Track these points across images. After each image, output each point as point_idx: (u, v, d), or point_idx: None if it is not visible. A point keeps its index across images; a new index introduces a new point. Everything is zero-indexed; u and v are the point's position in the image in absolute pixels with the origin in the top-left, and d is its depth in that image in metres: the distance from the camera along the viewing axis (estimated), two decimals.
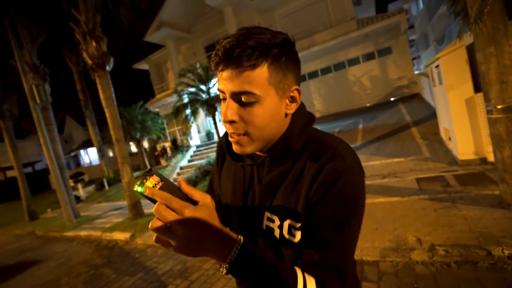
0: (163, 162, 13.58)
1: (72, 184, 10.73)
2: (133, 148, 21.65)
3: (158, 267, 3.62)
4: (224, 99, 0.56)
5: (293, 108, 0.58)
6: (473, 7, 2.24)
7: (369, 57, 11.14)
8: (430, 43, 16.20)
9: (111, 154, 22.65)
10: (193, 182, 8.15)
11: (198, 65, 9.35)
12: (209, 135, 13.05)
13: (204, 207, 0.47)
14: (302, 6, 11.85)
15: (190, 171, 8.88)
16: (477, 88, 3.88)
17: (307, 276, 0.50)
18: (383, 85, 11.03)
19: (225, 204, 0.72)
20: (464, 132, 4.03)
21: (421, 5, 15.63)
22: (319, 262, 0.52)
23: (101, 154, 13.94)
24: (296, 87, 0.57)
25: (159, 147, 14.36)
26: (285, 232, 0.57)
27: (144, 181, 0.43)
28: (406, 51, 10.59)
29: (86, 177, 16.96)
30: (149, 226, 0.44)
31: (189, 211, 0.44)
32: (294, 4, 11.92)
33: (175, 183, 0.49)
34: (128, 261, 4.08)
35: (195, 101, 8.88)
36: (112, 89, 6.08)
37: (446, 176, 3.83)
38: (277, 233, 0.58)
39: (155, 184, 0.43)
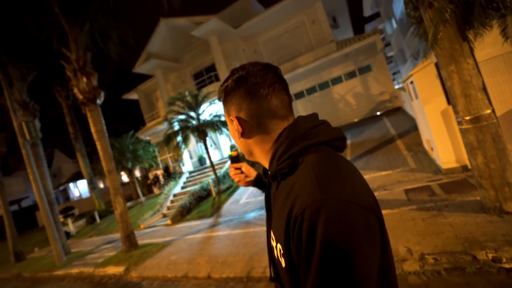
0: (155, 190, 13.37)
1: (61, 219, 10.38)
2: (125, 177, 21.27)
3: None
4: None
5: (246, 133, 0.62)
6: (429, 32, 2.50)
7: (351, 75, 11.70)
8: (407, 58, 17.14)
9: (101, 185, 22.16)
10: (187, 209, 8.06)
11: (187, 93, 9.59)
12: (201, 160, 13.05)
13: None
14: (283, 31, 12.57)
15: (184, 197, 8.79)
16: (449, 101, 4.16)
17: None
18: (366, 100, 11.49)
19: None
20: (443, 142, 4.25)
21: (395, 25, 16.73)
22: None
23: (92, 186, 13.67)
24: (235, 115, 0.62)
25: (151, 175, 14.19)
26: (277, 254, 0.56)
27: None
28: (385, 68, 11.18)
29: (76, 211, 16.40)
30: None
31: None
32: (276, 31, 12.62)
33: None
34: None
35: (185, 128, 9.00)
36: (103, 121, 6.17)
37: (432, 185, 3.98)
38: (275, 252, 0.58)
39: None
